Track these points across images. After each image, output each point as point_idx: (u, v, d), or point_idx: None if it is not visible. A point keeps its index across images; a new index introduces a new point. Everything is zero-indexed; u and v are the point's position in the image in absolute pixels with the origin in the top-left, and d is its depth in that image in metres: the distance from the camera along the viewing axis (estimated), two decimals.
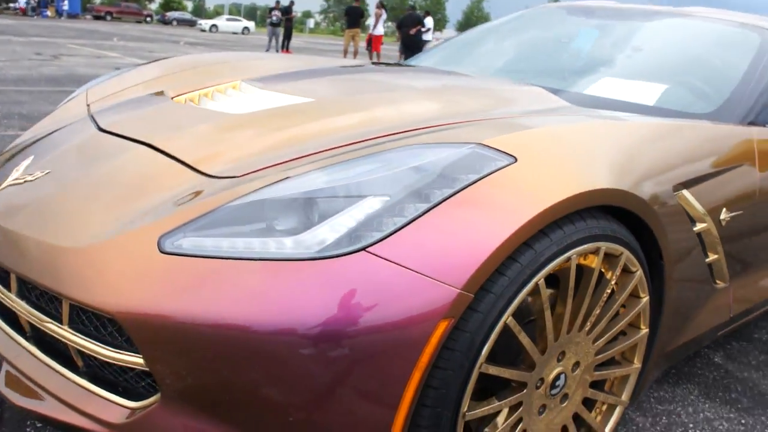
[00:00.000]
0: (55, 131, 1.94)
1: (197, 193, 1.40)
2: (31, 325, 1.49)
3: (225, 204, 1.32)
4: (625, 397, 1.73)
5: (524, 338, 1.36)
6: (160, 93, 2.09)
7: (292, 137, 1.58)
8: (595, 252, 1.45)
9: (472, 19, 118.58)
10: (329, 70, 2.48)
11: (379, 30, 19.05)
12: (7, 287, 1.51)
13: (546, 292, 1.36)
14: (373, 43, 18.60)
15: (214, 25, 43.55)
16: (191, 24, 50.51)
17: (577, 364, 1.54)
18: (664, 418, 2.15)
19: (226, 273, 1.21)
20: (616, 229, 1.49)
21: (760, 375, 2.55)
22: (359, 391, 1.19)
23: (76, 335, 1.33)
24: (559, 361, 1.49)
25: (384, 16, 19.41)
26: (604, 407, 1.73)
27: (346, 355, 1.16)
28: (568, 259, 1.38)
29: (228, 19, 46.48)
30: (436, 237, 1.22)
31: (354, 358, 1.16)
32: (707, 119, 2.13)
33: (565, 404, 1.56)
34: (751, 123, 2.18)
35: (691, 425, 2.13)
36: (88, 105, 2.19)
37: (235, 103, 1.96)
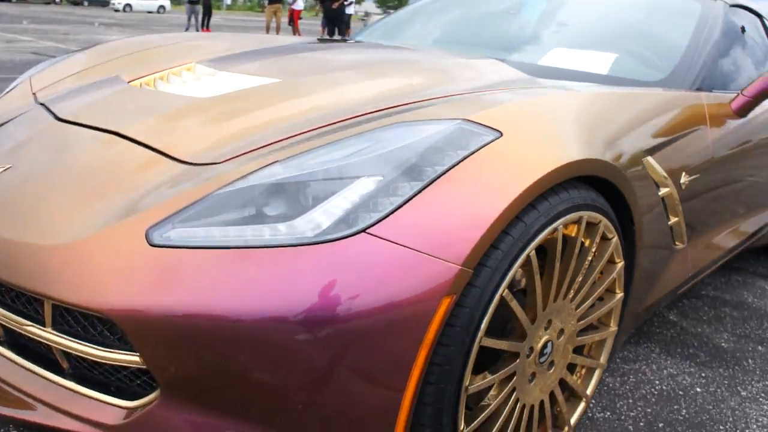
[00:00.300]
0: (6, 123, 1.83)
1: (179, 182, 1.35)
2: (5, 328, 1.42)
3: (213, 192, 1.28)
4: (603, 359, 1.78)
5: (518, 309, 1.38)
6: (115, 78, 2.01)
7: (267, 120, 1.55)
8: (578, 221, 1.48)
9: None
10: (283, 49, 2.43)
11: (299, 4, 18.80)
12: None
13: (537, 263, 1.38)
14: (292, 17, 18.36)
15: (127, 5, 41.82)
16: (103, 4, 48.36)
17: (561, 331, 1.58)
18: (631, 377, 2.24)
19: (221, 263, 1.18)
20: (594, 198, 1.52)
21: (712, 329, 2.68)
22: (367, 373, 1.19)
23: (62, 337, 1.27)
24: (546, 329, 1.52)
25: None
26: (584, 371, 1.78)
27: (352, 338, 1.15)
28: (555, 229, 1.41)
29: None
30: (432, 215, 1.22)
31: (360, 341, 1.16)
32: (659, 86, 2.19)
33: (551, 371, 1.60)
34: (698, 89, 2.26)
35: (656, 382, 2.23)
36: (33, 93, 2.08)
37: (196, 87, 1.90)
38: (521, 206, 1.31)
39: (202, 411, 1.22)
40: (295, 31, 18.39)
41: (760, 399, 2.19)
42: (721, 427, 2.01)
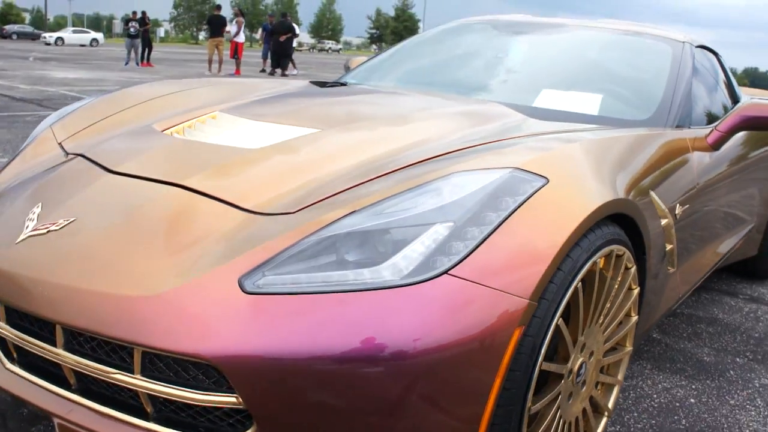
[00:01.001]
0: (44, 174, 1.88)
1: (255, 232, 1.45)
2: (78, 376, 1.48)
3: (297, 241, 1.39)
4: (620, 377, 1.95)
5: (567, 335, 1.53)
6: (148, 127, 2.08)
7: (326, 171, 1.66)
8: (609, 254, 1.65)
9: (324, 22, 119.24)
10: (293, 95, 2.55)
11: (241, 37, 18.94)
12: (45, 340, 1.48)
13: (581, 293, 1.54)
14: (235, 50, 18.47)
15: (59, 38, 40.99)
16: (33, 37, 47.32)
17: (592, 353, 1.73)
18: (632, 392, 2.42)
19: (313, 307, 1.29)
20: (620, 233, 1.70)
21: (692, 345, 2.90)
22: (452, 399, 1.32)
23: (154, 383, 1.34)
24: (581, 352, 1.67)
25: (243, 22, 19.32)
26: (603, 388, 1.94)
27: (444, 370, 1.28)
28: (594, 263, 1.57)
29: (74, 31, 43.94)
30: (501, 255, 1.37)
31: (449, 372, 1.29)
32: (645, 125, 2.41)
33: (583, 389, 1.75)
34: (678, 126, 2.48)
35: (654, 396, 2.41)
36: (59, 143, 2.13)
37: (235, 136, 1.98)
38: (570, 244, 1.46)
39: None
40: (238, 63, 18.45)
41: (747, 406, 2.40)
42: None
